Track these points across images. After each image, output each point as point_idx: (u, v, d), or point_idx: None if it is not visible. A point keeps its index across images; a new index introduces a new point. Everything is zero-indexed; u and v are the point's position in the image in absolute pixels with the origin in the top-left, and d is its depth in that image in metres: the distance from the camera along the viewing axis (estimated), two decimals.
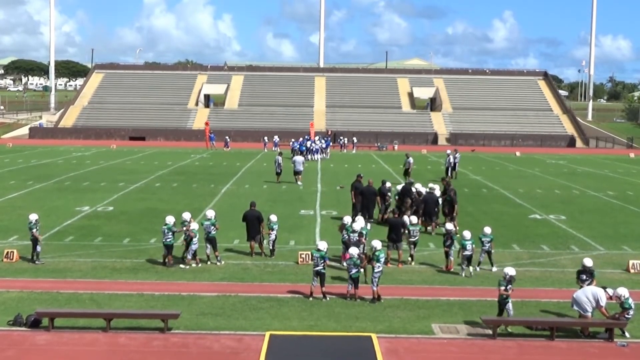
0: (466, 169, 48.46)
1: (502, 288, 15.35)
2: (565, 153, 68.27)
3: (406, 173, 39.20)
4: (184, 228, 20.35)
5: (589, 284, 16.07)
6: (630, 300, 15.07)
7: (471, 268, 19.87)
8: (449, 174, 41.26)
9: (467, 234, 19.78)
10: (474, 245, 19.68)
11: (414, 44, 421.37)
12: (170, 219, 20.32)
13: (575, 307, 15.44)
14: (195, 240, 20.13)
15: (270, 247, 21.42)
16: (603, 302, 15.05)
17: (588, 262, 17.08)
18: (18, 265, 20.15)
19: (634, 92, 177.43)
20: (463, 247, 19.63)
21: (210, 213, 21.12)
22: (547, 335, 14.86)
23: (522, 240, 24.49)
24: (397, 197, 26.38)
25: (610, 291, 15.39)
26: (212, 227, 20.50)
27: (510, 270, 15.62)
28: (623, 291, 15.18)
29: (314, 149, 56.31)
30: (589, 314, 15.16)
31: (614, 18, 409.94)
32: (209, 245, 20.55)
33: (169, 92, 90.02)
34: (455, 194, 26.20)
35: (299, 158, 40.80)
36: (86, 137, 78.00)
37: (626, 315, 14.98)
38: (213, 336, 14.51)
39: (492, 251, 20.21)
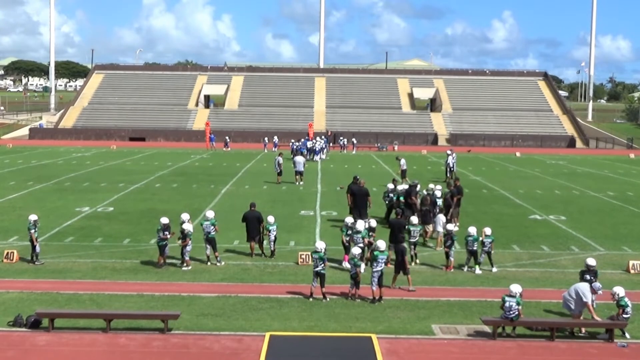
0: (466, 170, 48.47)
1: (521, 307, 15.18)
2: (565, 153, 68.29)
3: (404, 175, 39.38)
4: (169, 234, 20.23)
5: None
6: (626, 299, 15.02)
7: (466, 268, 19.94)
8: (449, 175, 41.22)
9: (471, 229, 19.96)
10: (476, 242, 19.79)
11: (413, 45, 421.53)
12: (164, 220, 20.30)
13: (563, 307, 15.50)
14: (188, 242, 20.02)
15: (271, 248, 21.42)
16: (587, 297, 14.96)
17: (591, 261, 17.05)
18: (18, 265, 20.15)
19: (634, 92, 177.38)
20: (466, 242, 19.84)
21: (210, 214, 21.11)
22: (547, 336, 14.86)
23: (522, 240, 24.49)
24: (402, 199, 26.20)
25: (596, 286, 15.27)
26: (212, 228, 20.51)
27: (518, 288, 15.25)
28: (618, 289, 15.12)
29: (315, 149, 56.29)
30: (576, 312, 15.17)
31: (614, 18, 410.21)
32: (208, 246, 20.53)
33: (169, 93, 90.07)
34: (460, 191, 26.25)
35: (299, 158, 40.86)
36: (86, 138, 78.03)
37: (624, 315, 14.93)
38: (213, 337, 14.50)
39: (492, 252, 20.24)
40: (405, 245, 21.06)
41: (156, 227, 20.69)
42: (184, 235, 19.96)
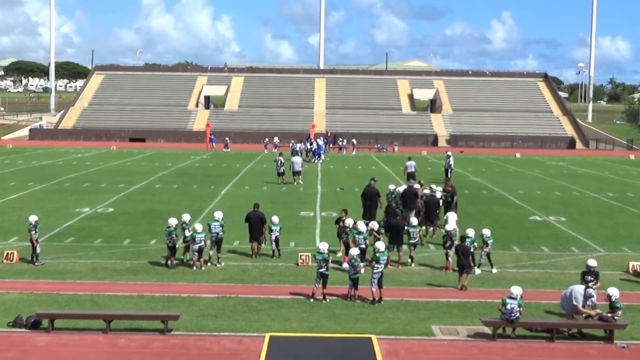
0: (466, 170, 48.49)
1: (522, 309, 15.17)
2: (565, 154, 68.30)
3: (411, 176, 38.32)
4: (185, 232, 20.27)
5: (593, 285, 16.08)
6: (620, 303, 14.99)
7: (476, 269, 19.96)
8: (448, 175, 41.18)
9: (469, 231, 19.86)
10: (475, 244, 19.75)
11: (413, 45, 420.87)
12: (172, 221, 20.28)
13: (560, 306, 15.57)
14: (197, 241, 19.96)
15: (272, 248, 21.44)
16: (577, 301, 15.05)
17: (592, 262, 17.05)
18: (18, 266, 20.16)
19: (634, 93, 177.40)
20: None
21: (219, 214, 20.95)
22: (547, 337, 14.86)
23: (522, 241, 24.49)
24: (400, 200, 26.26)
25: (588, 292, 15.24)
26: (220, 229, 20.46)
27: (519, 290, 15.20)
28: (614, 291, 15.10)
29: (314, 151, 56.58)
30: (570, 311, 15.25)
31: (613, 19, 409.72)
32: (214, 247, 20.52)
33: (169, 94, 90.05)
34: (454, 191, 26.41)
35: (297, 159, 41.04)
36: (86, 139, 78.01)
37: (615, 317, 14.90)
38: (213, 337, 14.51)
39: (488, 252, 20.23)
40: (405, 247, 21.14)
41: (162, 229, 20.62)
42: (191, 236, 19.95)
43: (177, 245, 20.15)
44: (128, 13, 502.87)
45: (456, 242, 20.98)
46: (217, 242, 20.46)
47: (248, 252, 21.57)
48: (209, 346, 14.09)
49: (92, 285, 18.26)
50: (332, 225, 26.51)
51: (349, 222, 20.84)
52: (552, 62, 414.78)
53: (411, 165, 39.19)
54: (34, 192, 35.08)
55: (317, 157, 55.82)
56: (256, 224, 21.33)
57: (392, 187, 27.32)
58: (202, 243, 19.96)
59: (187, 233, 20.32)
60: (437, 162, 54.50)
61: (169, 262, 20.14)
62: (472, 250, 19.84)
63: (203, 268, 19.98)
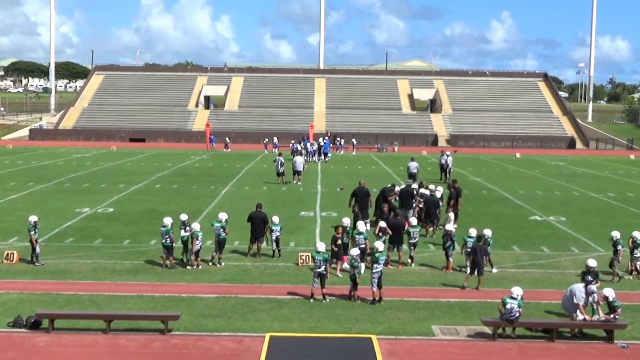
0: (466, 170, 48.49)
1: (521, 310, 15.21)
2: (565, 154, 68.29)
3: (412, 177, 38.29)
4: (185, 232, 20.27)
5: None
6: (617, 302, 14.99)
7: (469, 270, 19.89)
8: (447, 175, 41.20)
9: (472, 231, 19.83)
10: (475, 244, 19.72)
11: (412, 45, 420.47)
12: (167, 221, 20.27)
13: (562, 307, 15.56)
14: (197, 241, 19.99)
15: (273, 248, 21.43)
16: (579, 299, 15.05)
17: (592, 262, 17.06)
18: (18, 266, 20.16)
19: (634, 93, 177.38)
20: (465, 244, 19.65)
21: (223, 215, 20.95)
22: (547, 337, 14.86)
23: (522, 241, 24.48)
24: (397, 199, 26.35)
25: (590, 288, 15.24)
26: (221, 230, 20.46)
27: (520, 291, 15.18)
28: (609, 292, 15.07)
29: (311, 151, 56.58)
30: (572, 311, 15.25)
31: (612, 19, 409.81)
32: (216, 248, 20.50)
33: (169, 94, 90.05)
34: (459, 193, 26.38)
35: (299, 158, 41.09)
36: (86, 139, 78.02)
37: (616, 317, 14.89)
38: (213, 338, 14.51)
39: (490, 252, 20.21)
40: (405, 246, 21.13)
41: (158, 228, 20.62)
42: (191, 235, 19.96)
43: (174, 245, 20.14)
44: (127, 13, 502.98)
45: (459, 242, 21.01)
46: (220, 243, 20.46)
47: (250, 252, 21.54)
48: (209, 346, 14.09)
49: (92, 286, 18.26)
50: (332, 225, 26.52)
51: (346, 221, 20.84)
52: (551, 62, 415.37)
53: (413, 166, 39.21)
54: (34, 192, 35.08)
55: (323, 155, 56.39)
56: (258, 224, 21.31)
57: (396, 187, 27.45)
58: (201, 243, 20.00)
59: (185, 233, 20.31)
60: (438, 163, 54.39)
61: (167, 261, 20.14)
62: (489, 250, 19.84)
63: (198, 267, 19.92)
